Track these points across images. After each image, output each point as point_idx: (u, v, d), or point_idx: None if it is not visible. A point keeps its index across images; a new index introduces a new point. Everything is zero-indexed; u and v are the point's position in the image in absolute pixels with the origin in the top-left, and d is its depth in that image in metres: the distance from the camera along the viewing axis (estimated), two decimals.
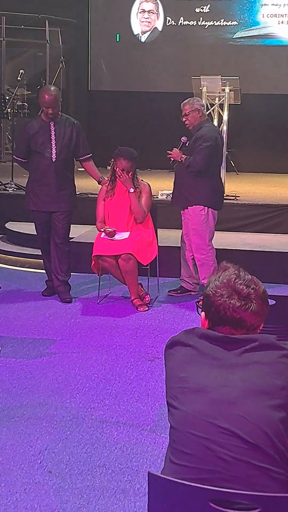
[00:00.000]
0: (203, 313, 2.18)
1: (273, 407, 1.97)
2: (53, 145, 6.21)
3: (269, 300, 2.20)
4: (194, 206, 6.35)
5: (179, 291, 6.63)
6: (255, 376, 2.01)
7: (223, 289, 2.11)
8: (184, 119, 6.34)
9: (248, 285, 2.11)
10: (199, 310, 2.24)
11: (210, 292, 2.13)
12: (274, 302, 3.67)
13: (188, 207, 6.39)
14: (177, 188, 6.47)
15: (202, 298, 2.21)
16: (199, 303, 2.29)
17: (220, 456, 1.95)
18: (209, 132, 6.29)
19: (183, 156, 6.25)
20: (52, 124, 6.22)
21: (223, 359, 2.05)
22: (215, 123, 9.04)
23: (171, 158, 6.31)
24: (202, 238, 6.39)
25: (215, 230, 6.55)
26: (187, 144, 6.35)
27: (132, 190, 6.18)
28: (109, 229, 6.14)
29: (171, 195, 6.76)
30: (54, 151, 6.21)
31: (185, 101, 6.39)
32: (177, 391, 2.06)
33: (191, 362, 2.08)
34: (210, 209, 6.38)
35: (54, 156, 6.21)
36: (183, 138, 6.38)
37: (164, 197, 8.31)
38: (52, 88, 6.42)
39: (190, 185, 6.32)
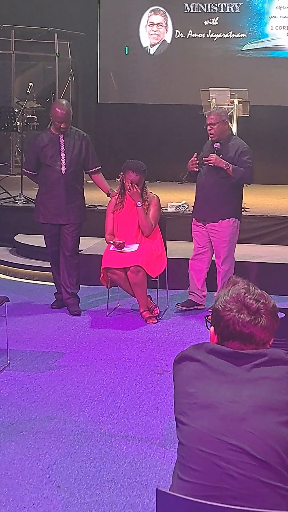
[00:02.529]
0: (212, 327, 2.16)
1: (283, 423, 1.95)
2: (63, 158, 6.22)
3: (279, 313, 2.18)
4: (227, 219, 6.30)
5: (186, 305, 6.59)
6: (264, 391, 1.99)
7: (232, 303, 2.09)
8: (209, 128, 6.24)
9: (257, 300, 2.09)
10: (208, 324, 2.22)
11: (219, 306, 2.12)
12: (284, 315, 3.65)
13: (220, 220, 6.32)
14: (207, 202, 6.32)
15: (211, 312, 2.19)
16: (208, 317, 2.27)
17: (229, 473, 1.93)
18: (247, 147, 6.37)
19: (228, 163, 6.16)
20: (61, 137, 6.24)
21: (232, 375, 2.03)
22: None
23: (211, 164, 6.16)
24: (232, 250, 6.38)
25: None
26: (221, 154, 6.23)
27: (139, 204, 6.18)
28: (118, 241, 6.14)
29: (189, 209, 6.68)
30: (63, 164, 6.22)
31: (211, 109, 6.38)
32: (185, 407, 2.04)
33: (199, 377, 2.06)
34: (238, 220, 6.38)
35: (63, 169, 6.23)
36: (216, 144, 6.23)
37: (173, 209, 8.31)
38: (65, 102, 6.43)
39: (221, 198, 6.25)
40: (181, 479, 2.01)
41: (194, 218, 6.53)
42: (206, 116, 6.33)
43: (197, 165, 6.30)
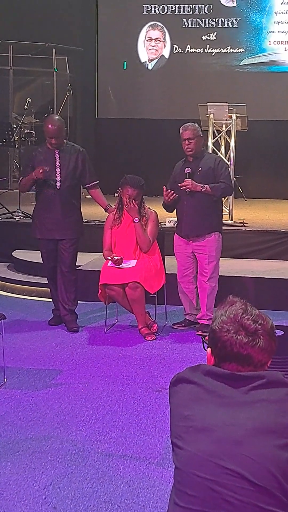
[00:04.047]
0: (209, 349, 2.12)
1: (281, 447, 1.90)
2: (58, 173, 6.20)
3: (277, 330, 2.14)
4: (212, 233, 6.26)
5: (183, 324, 6.52)
6: (262, 414, 1.94)
7: (229, 324, 2.05)
8: (187, 143, 6.19)
9: (255, 321, 2.05)
10: (205, 345, 2.18)
11: (216, 327, 2.07)
12: (282, 332, 3.61)
13: (206, 235, 6.27)
14: (191, 218, 6.25)
15: (208, 332, 2.15)
16: (205, 338, 2.23)
17: (226, 499, 1.88)
18: (221, 158, 6.54)
19: (204, 185, 6.14)
20: (57, 152, 6.23)
21: (229, 397, 1.99)
22: (223, 149, 9.06)
23: (188, 189, 6.13)
24: (217, 266, 6.32)
25: (221, 257, 6.49)
26: (198, 172, 6.20)
27: (136, 220, 6.15)
28: (116, 257, 6.10)
29: (175, 226, 6.62)
30: (58, 179, 6.21)
31: (185, 125, 6.30)
32: (181, 430, 2.00)
33: (196, 400, 2.02)
34: (221, 234, 6.35)
35: (58, 184, 6.21)
36: (187, 169, 6.21)
37: (172, 224, 8.25)
38: (57, 118, 6.42)
39: (205, 213, 6.22)
40: (177, 504, 1.96)
41: (176, 234, 6.45)
42: (181, 132, 6.25)
43: (173, 195, 6.22)
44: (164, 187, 6.29)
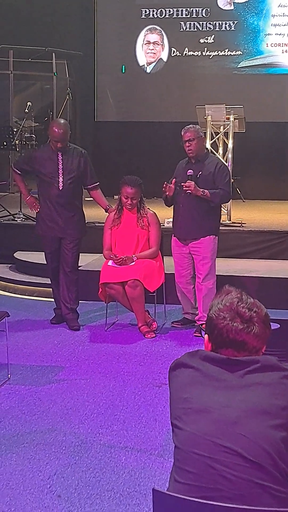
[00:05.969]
0: (206, 335, 2.23)
1: (274, 427, 2.01)
2: (61, 175, 6.31)
3: (273, 323, 2.25)
4: (207, 236, 6.31)
5: (182, 323, 6.60)
6: (257, 396, 2.06)
7: (226, 312, 2.16)
8: (187, 145, 6.24)
9: (250, 308, 2.16)
10: (203, 333, 2.30)
11: (213, 315, 2.19)
12: (278, 325, 3.72)
13: (201, 238, 6.33)
14: (188, 220, 6.31)
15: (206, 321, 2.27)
16: (203, 326, 2.35)
17: (223, 475, 2.00)
18: (225, 164, 6.56)
19: (204, 190, 6.17)
20: (60, 154, 6.32)
21: (226, 381, 2.11)
22: (220, 151, 9.17)
23: (188, 191, 6.14)
24: (213, 267, 6.39)
25: (217, 257, 6.58)
26: (198, 176, 6.23)
27: (134, 259, 6.25)
28: (120, 258, 6.18)
29: (172, 227, 6.69)
30: (61, 180, 6.31)
31: (186, 127, 6.33)
32: (180, 412, 2.12)
33: (194, 383, 2.14)
34: (217, 237, 6.44)
35: (61, 185, 6.31)
36: (189, 171, 6.23)
37: (170, 225, 8.36)
38: (63, 122, 6.50)
39: (202, 216, 6.27)
40: (177, 481, 2.08)
41: (174, 236, 6.51)
42: (182, 134, 6.30)
43: (165, 189, 6.30)
44: (174, 179, 6.32)
